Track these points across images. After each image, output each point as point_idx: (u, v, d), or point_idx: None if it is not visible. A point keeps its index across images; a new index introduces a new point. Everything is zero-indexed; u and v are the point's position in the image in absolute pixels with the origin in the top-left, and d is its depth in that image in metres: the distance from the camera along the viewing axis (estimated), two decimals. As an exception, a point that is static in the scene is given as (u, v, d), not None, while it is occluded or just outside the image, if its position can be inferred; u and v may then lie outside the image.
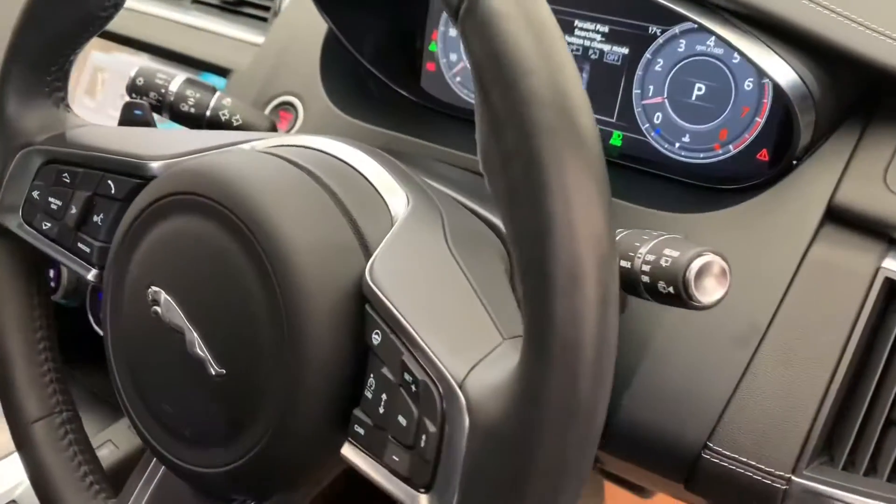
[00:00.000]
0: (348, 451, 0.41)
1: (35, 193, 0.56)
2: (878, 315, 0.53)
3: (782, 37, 0.54)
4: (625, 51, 0.72)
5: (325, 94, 0.77)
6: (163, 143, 0.54)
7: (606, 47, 0.73)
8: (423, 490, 0.37)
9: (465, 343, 0.38)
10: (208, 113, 0.64)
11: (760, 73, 0.65)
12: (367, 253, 0.44)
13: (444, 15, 0.82)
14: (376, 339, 0.40)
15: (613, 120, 0.74)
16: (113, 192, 0.52)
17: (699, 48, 0.68)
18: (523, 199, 0.32)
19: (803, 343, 0.53)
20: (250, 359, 0.43)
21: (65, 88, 0.57)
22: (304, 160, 0.48)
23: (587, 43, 0.74)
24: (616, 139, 0.75)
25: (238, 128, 0.65)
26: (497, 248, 0.51)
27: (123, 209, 0.52)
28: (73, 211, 0.53)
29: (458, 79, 0.84)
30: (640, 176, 0.72)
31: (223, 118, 0.65)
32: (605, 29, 0.73)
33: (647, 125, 0.73)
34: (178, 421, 0.46)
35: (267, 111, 0.80)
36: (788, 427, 0.52)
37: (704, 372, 0.55)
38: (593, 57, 0.74)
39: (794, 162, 0.58)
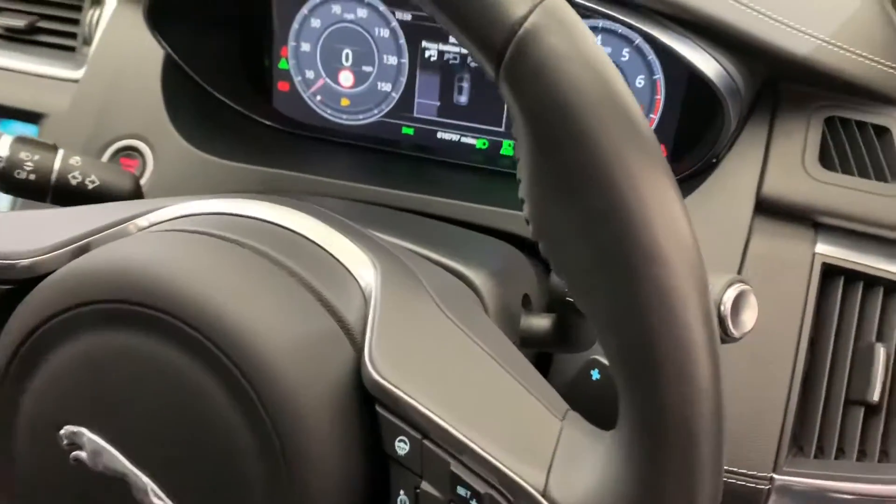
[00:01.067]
0: None
1: None
2: (819, 298, 0.54)
3: (702, 31, 0.53)
4: (507, 56, 0.69)
5: (175, 131, 0.66)
6: (26, 230, 0.41)
7: (486, 53, 0.69)
8: None
9: (524, 437, 0.32)
10: (53, 178, 0.52)
11: (650, 69, 0.65)
12: (354, 341, 0.37)
13: (294, 28, 0.74)
14: (402, 448, 0.33)
15: (502, 129, 0.71)
16: (-31, 305, 0.39)
17: (586, 49, 0.66)
18: (623, 268, 0.27)
19: (762, 339, 0.53)
20: (233, 499, 0.34)
21: None
22: (244, 235, 0.39)
23: (465, 51, 0.70)
24: (507, 148, 0.71)
25: (96, 192, 0.53)
26: (473, 298, 0.45)
27: (-13, 326, 0.40)
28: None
29: (318, 97, 0.76)
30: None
31: (74, 182, 0.52)
32: (483, 34, 0.69)
33: (539, 131, 0.70)
34: None
35: (103, 160, 0.67)
36: (763, 426, 0.52)
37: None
38: (473, 65, 0.70)
39: (714, 160, 0.58)
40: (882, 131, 0.56)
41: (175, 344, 0.34)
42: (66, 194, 0.52)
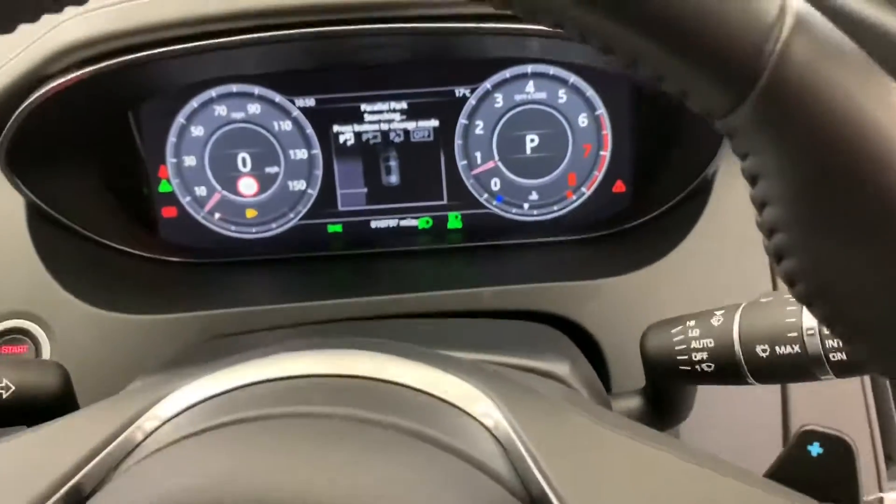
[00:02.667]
0: None
1: None
2: None
3: None
4: (434, 123, 0.62)
5: (69, 294, 0.52)
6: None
7: (411, 125, 0.62)
8: None
9: None
10: None
11: (591, 106, 0.61)
12: (521, 496, 0.27)
13: (172, 142, 0.62)
14: None
15: (445, 201, 0.64)
16: None
17: (518, 98, 0.61)
18: None
19: None
20: None
21: None
22: (327, 403, 0.28)
23: (385, 126, 0.62)
24: (455, 221, 0.64)
25: (13, 403, 0.38)
26: (585, 398, 0.37)
27: None
28: None
29: (216, 215, 0.64)
30: (505, 252, 0.62)
31: None
32: (403, 105, 0.61)
33: (486, 195, 0.63)
34: None
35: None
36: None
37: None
38: (398, 140, 0.62)
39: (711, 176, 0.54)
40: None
41: None
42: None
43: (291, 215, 0.64)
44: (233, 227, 0.64)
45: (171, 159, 0.63)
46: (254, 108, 0.62)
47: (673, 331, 0.38)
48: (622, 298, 0.51)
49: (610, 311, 0.51)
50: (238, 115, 0.62)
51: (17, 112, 0.47)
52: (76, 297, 0.52)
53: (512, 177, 0.63)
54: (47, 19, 0.48)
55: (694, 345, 0.37)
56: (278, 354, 0.32)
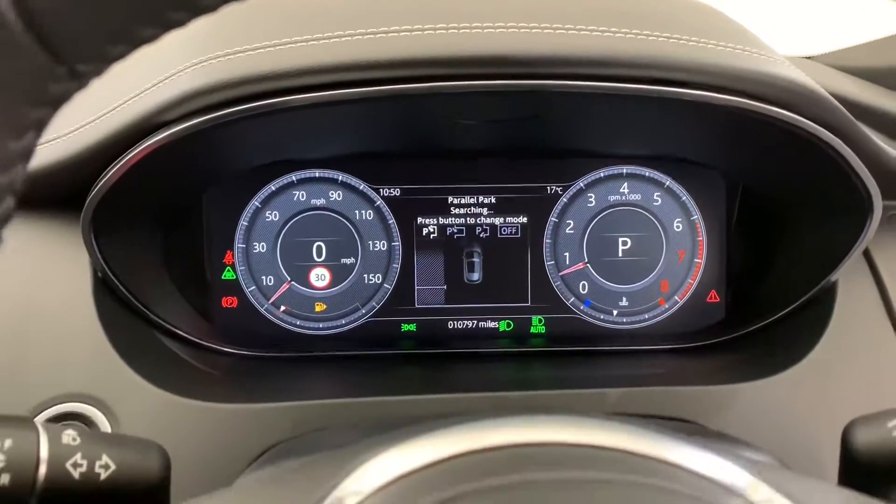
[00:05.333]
0: None
1: None
2: None
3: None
4: (523, 220, 0.59)
5: (139, 376, 0.45)
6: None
7: (498, 220, 0.59)
8: None
9: None
10: (42, 474, 0.30)
11: (686, 211, 0.59)
12: None
13: (243, 226, 0.58)
14: None
15: (529, 303, 0.60)
16: None
17: (613, 198, 0.59)
18: None
19: None
20: None
21: None
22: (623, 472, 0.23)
23: (472, 220, 0.59)
24: (538, 325, 0.60)
25: (110, 486, 0.31)
26: None
27: None
28: None
29: (281, 308, 0.59)
30: (593, 358, 0.58)
31: (76, 474, 0.30)
32: (491, 199, 0.59)
33: (573, 299, 0.60)
34: None
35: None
36: None
37: None
38: (483, 235, 0.59)
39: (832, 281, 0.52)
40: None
41: None
42: (59, 499, 0.31)
43: (363, 311, 0.59)
44: (298, 322, 0.59)
45: (239, 244, 0.58)
46: (335, 195, 0.59)
47: (890, 424, 0.33)
48: (757, 405, 0.47)
49: (748, 418, 0.46)
50: (318, 202, 0.58)
51: (116, 165, 0.43)
52: (144, 379, 0.46)
53: (602, 280, 0.60)
54: (159, 71, 0.45)
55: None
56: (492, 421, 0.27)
